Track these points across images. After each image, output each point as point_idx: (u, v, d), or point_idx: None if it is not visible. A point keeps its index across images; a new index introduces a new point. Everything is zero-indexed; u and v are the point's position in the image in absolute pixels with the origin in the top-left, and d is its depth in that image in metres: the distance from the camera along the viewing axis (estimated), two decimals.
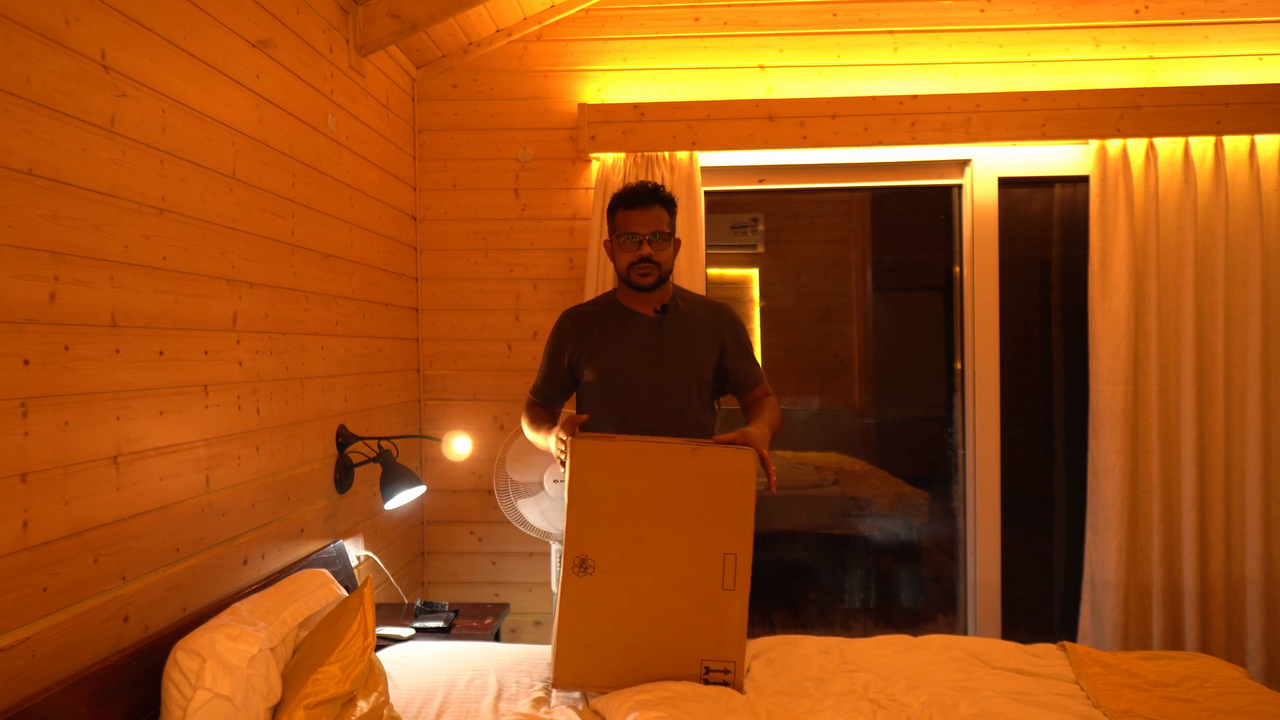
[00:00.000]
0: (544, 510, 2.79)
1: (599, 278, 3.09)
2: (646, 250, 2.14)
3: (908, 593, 3.79)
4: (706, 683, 1.86)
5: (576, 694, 1.94)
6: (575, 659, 1.87)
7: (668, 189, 3.04)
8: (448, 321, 3.28)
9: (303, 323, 2.30)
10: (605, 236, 2.30)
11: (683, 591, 1.86)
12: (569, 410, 2.42)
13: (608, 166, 3.12)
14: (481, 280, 3.27)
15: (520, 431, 2.83)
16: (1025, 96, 3.05)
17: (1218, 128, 2.98)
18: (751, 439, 1.91)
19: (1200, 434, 2.99)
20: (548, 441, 2.17)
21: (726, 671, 1.87)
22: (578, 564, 1.85)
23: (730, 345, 2.24)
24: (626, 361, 2.19)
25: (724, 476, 1.86)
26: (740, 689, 1.88)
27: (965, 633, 3.33)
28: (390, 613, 2.65)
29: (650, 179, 3.07)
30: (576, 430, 2.01)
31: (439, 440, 3.02)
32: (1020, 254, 3.34)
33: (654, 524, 1.86)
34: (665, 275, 2.19)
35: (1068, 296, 3.36)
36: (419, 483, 2.55)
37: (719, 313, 2.28)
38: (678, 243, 2.25)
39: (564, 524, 1.89)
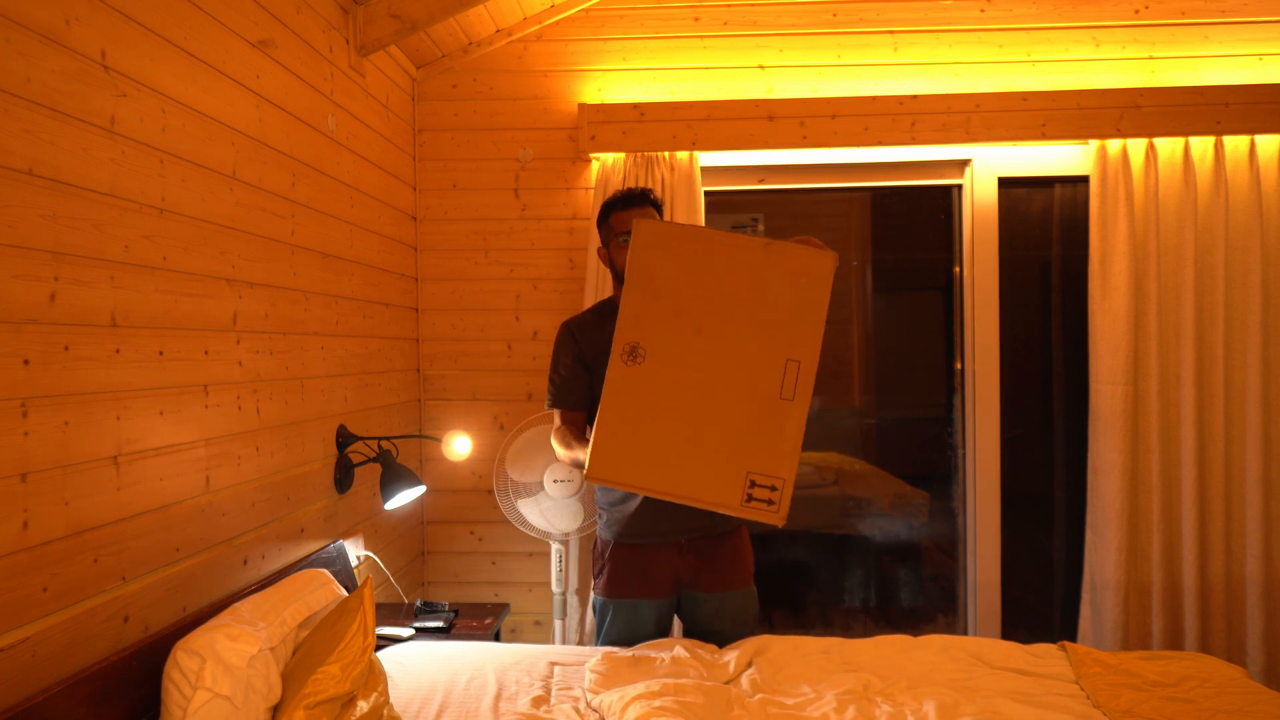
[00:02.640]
0: (544, 510, 2.79)
1: (599, 278, 3.09)
2: None
3: (908, 593, 3.79)
4: (750, 500, 1.66)
5: (576, 690, 1.94)
6: (612, 450, 1.70)
7: (667, 189, 3.08)
8: (448, 321, 3.28)
9: (303, 323, 2.30)
10: (598, 245, 2.30)
11: (738, 394, 1.67)
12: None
13: (608, 166, 3.12)
14: (481, 280, 3.27)
15: (520, 431, 2.83)
16: (1025, 96, 3.05)
17: (1218, 128, 2.98)
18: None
19: (1200, 434, 2.99)
20: (572, 455, 2.14)
21: (773, 489, 1.66)
22: (627, 352, 1.70)
23: None
24: None
25: (798, 276, 1.68)
26: (782, 518, 1.67)
27: (965, 633, 3.33)
28: (390, 613, 2.65)
29: (650, 179, 3.08)
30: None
31: (439, 440, 3.02)
32: (1020, 254, 3.34)
33: (715, 318, 1.69)
34: None
35: (1068, 296, 3.36)
36: (419, 483, 2.55)
37: None
38: None
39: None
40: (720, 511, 1.70)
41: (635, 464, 1.71)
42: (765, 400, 1.67)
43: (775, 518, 1.67)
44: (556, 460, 2.73)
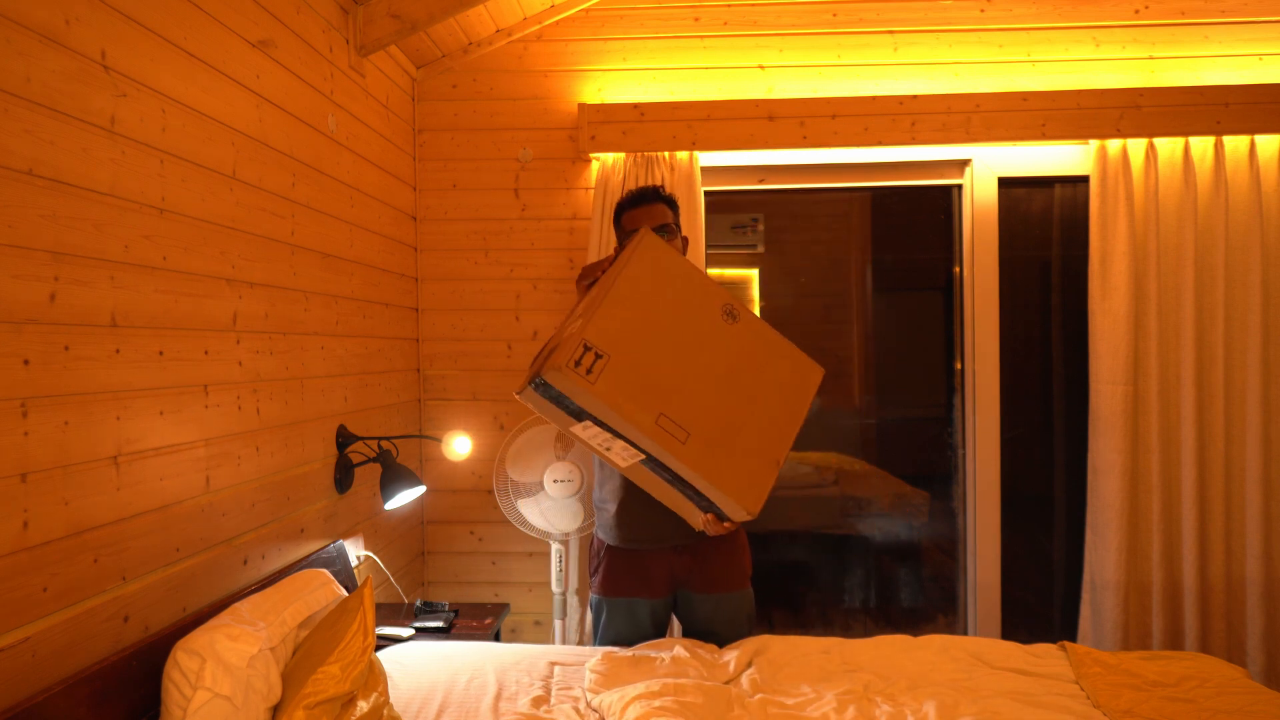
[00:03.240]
0: (544, 510, 2.79)
1: None
2: None
3: (908, 593, 3.79)
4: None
5: (576, 690, 1.94)
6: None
7: (668, 189, 3.07)
8: (448, 321, 3.28)
9: (303, 323, 2.30)
10: (614, 246, 2.30)
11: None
12: None
13: (608, 166, 3.12)
14: (481, 280, 3.27)
15: (520, 431, 2.83)
16: (1025, 96, 3.05)
17: (1218, 128, 2.98)
18: None
19: (1200, 434, 2.99)
20: None
21: (598, 358, 1.68)
22: (727, 311, 1.81)
23: None
24: None
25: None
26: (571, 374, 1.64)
27: (965, 633, 3.33)
28: (390, 613, 2.65)
29: (650, 179, 3.08)
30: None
31: (439, 440, 3.02)
32: (1020, 254, 3.34)
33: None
34: None
35: (1068, 296, 3.36)
36: (419, 483, 2.55)
37: None
38: (685, 241, 2.27)
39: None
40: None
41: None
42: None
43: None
44: (556, 460, 2.74)
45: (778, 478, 1.79)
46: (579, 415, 1.74)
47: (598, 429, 1.74)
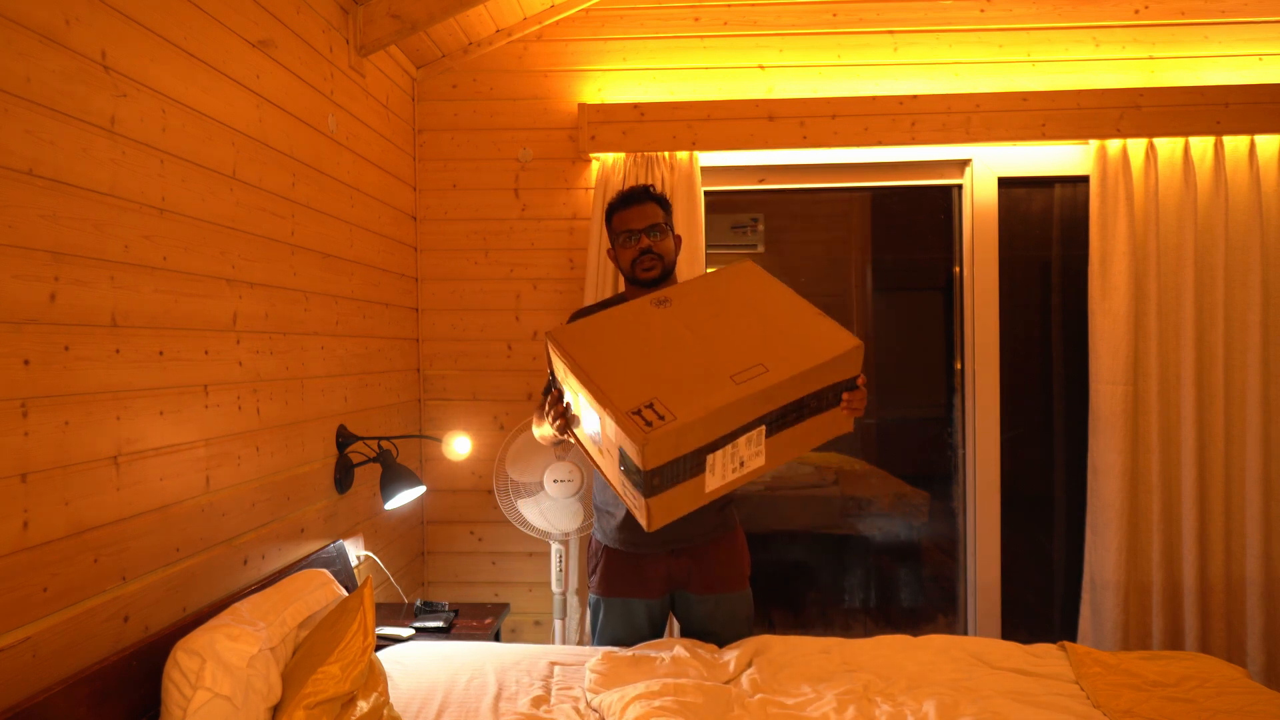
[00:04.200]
0: (544, 510, 2.79)
1: (599, 278, 3.09)
2: (646, 243, 2.16)
3: (908, 593, 3.79)
4: (636, 413, 1.58)
5: (576, 690, 1.94)
6: (581, 331, 1.76)
7: (667, 189, 3.07)
8: (448, 321, 3.28)
9: (303, 323, 2.30)
10: (607, 246, 2.30)
11: (699, 358, 1.71)
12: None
13: (608, 166, 3.12)
14: (481, 280, 3.27)
15: (520, 431, 2.83)
16: (1025, 96, 3.05)
17: (1218, 128, 2.98)
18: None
19: (1200, 434, 2.99)
20: (545, 422, 2.10)
21: (662, 419, 1.57)
22: (659, 299, 1.82)
23: None
24: None
25: (819, 334, 1.80)
26: (645, 450, 1.53)
27: (965, 633, 3.33)
28: (390, 613, 2.65)
29: (650, 179, 3.08)
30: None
31: (439, 440, 3.02)
32: (1020, 254, 3.34)
33: (735, 317, 1.81)
34: (669, 268, 2.20)
35: (1068, 296, 3.36)
36: (419, 483, 2.55)
37: None
38: (678, 239, 2.26)
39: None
40: (607, 421, 1.64)
41: (586, 348, 1.73)
42: (716, 374, 1.67)
43: (640, 435, 1.54)
44: (557, 460, 2.74)
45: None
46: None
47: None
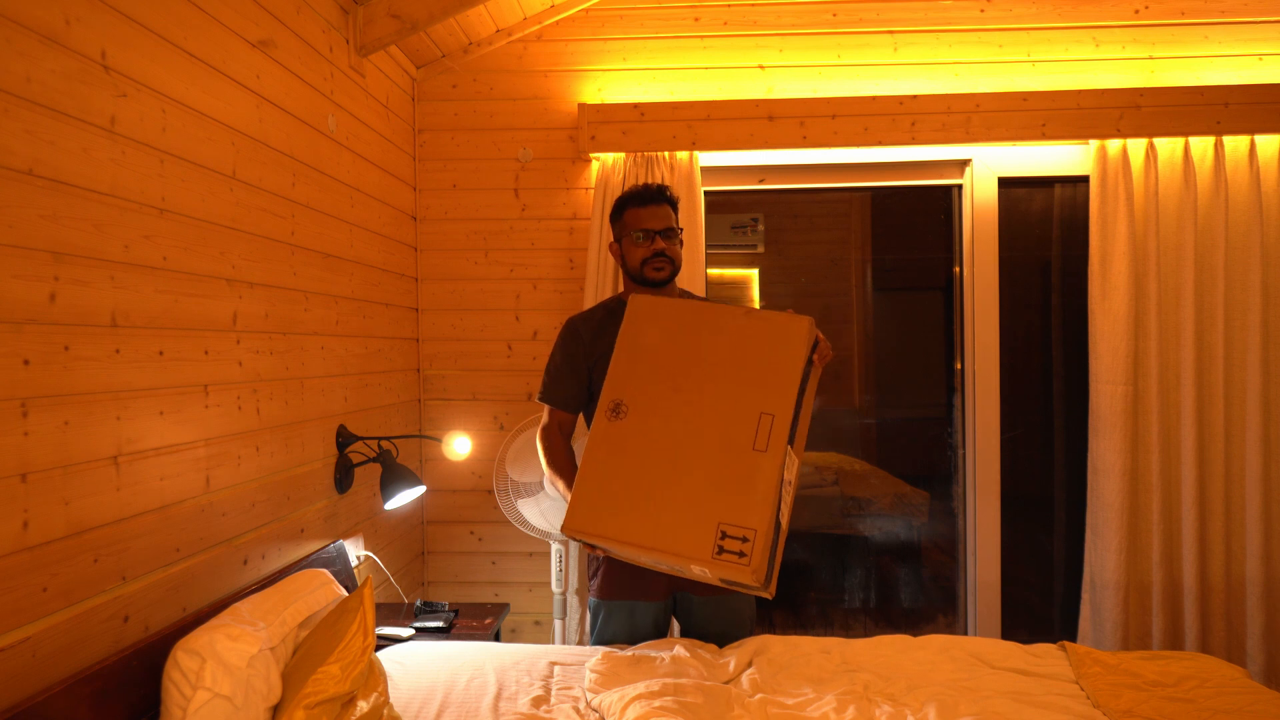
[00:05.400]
0: (544, 510, 2.79)
1: (599, 278, 3.09)
2: (660, 245, 2.17)
3: (908, 593, 3.79)
4: (721, 552, 1.64)
5: (576, 690, 1.94)
6: (590, 504, 1.77)
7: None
8: (448, 321, 3.28)
9: (303, 323, 2.30)
10: (610, 240, 2.29)
11: (711, 446, 1.73)
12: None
13: (608, 166, 3.12)
14: (481, 280, 3.27)
15: (520, 431, 2.83)
16: (1025, 96, 3.05)
17: (1218, 128, 2.98)
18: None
19: (1200, 434, 2.99)
20: (559, 486, 2.14)
21: (744, 540, 1.64)
22: (611, 409, 1.80)
23: None
24: None
25: (774, 338, 1.79)
26: (757, 574, 1.63)
27: (965, 633, 3.33)
28: (390, 613, 2.65)
29: (650, 179, 3.08)
30: None
31: (439, 440, 3.02)
32: (1020, 254, 3.34)
33: (694, 377, 1.79)
34: (676, 270, 2.21)
35: (1068, 296, 3.36)
36: (419, 483, 2.55)
37: None
38: (682, 241, 2.28)
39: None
40: (694, 567, 1.69)
41: (610, 516, 1.75)
42: (738, 451, 1.71)
43: (748, 572, 1.63)
44: None
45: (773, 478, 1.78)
46: None
47: None
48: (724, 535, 1.66)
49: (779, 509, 1.71)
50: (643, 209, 2.19)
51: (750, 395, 1.75)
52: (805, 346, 1.78)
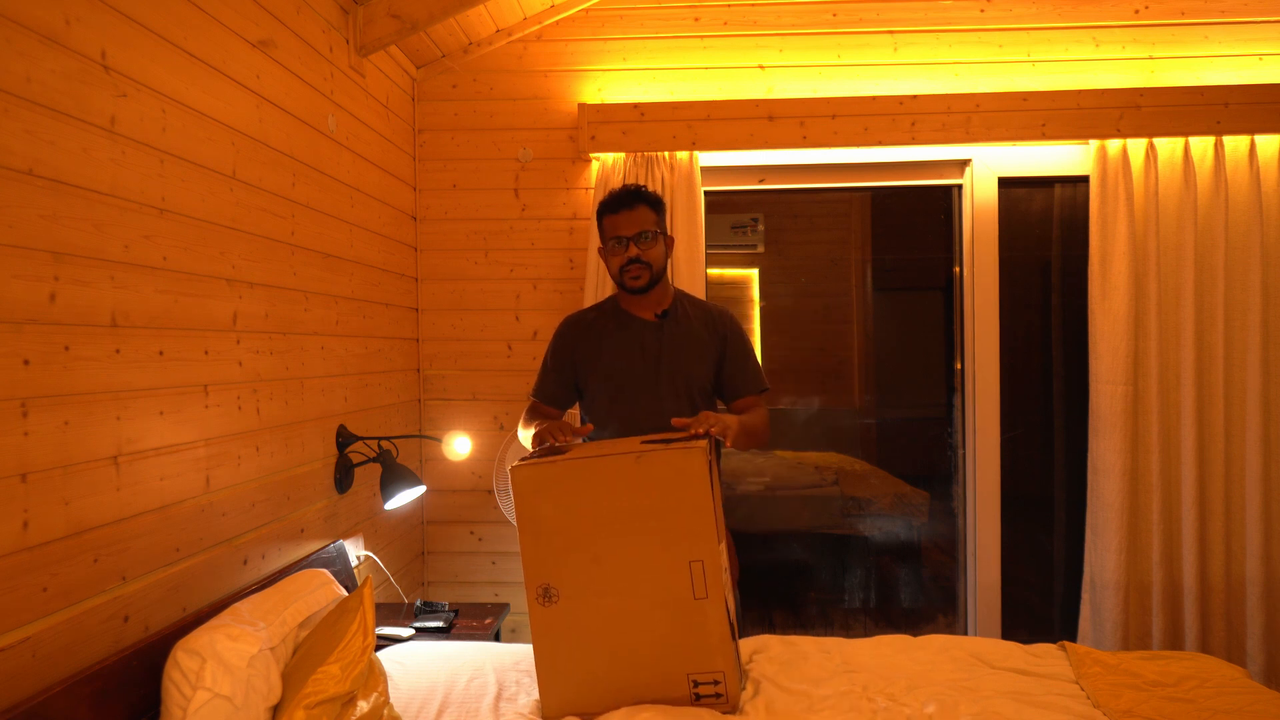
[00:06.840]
0: None
1: (599, 277, 3.09)
2: (634, 251, 2.11)
3: (908, 593, 3.79)
4: (699, 699, 1.75)
5: None
6: (559, 689, 1.79)
7: (667, 189, 3.07)
8: (448, 321, 3.28)
9: (303, 323, 2.30)
10: (599, 245, 2.28)
11: (653, 607, 1.75)
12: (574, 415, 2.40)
13: (608, 166, 3.12)
14: (481, 280, 3.27)
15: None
16: (1025, 96, 3.05)
17: (1218, 128, 2.98)
18: (705, 420, 1.84)
19: (1200, 434, 2.99)
20: (528, 435, 2.11)
21: (716, 682, 1.74)
22: (541, 594, 1.77)
23: (728, 351, 2.23)
24: (626, 366, 2.18)
25: (674, 481, 1.74)
26: (734, 703, 1.77)
27: (965, 633, 3.33)
28: (390, 613, 2.65)
29: (650, 179, 3.08)
30: (562, 434, 1.95)
31: (439, 440, 3.02)
32: (1020, 254, 3.34)
33: (610, 543, 1.76)
34: (658, 275, 2.16)
35: (1068, 296, 3.36)
36: (419, 483, 2.55)
37: (719, 318, 2.26)
38: (670, 240, 2.23)
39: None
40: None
41: (584, 695, 1.79)
42: (680, 606, 1.75)
43: (727, 707, 1.76)
44: None
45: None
46: None
47: None
48: (696, 684, 1.76)
49: (734, 633, 1.82)
50: (616, 215, 2.13)
51: (673, 547, 1.74)
52: (704, 479, 1.74)
